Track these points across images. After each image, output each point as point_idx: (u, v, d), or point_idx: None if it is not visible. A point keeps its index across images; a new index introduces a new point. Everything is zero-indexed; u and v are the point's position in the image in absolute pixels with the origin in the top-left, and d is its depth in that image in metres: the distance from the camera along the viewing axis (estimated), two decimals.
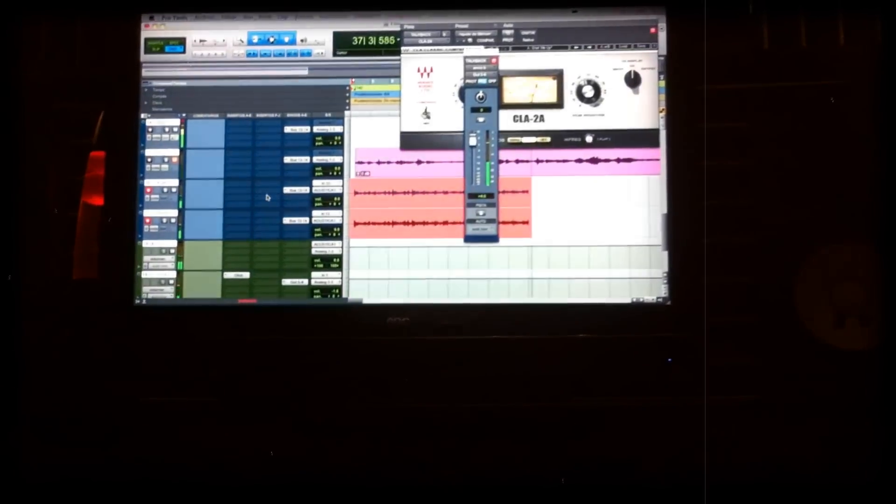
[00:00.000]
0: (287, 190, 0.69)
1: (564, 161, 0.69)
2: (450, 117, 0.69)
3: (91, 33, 0.72)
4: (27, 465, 0.66)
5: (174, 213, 0.69)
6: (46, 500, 0.66)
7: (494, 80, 0.70)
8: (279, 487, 0.66)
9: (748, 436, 0.66)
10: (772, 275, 0.68)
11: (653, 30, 0.70)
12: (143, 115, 0.70)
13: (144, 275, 0.68)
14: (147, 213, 0.69)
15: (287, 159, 0.69)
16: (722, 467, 0.64)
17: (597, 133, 0.69)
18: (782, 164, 0.69)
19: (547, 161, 0.69)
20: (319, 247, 0.68)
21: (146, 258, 0.68)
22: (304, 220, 0.69)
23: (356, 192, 0.69)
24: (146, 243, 0.69)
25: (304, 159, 0.69)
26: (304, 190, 0.69)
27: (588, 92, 0.69)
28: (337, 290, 0.68)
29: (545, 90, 0.69)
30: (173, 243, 0.69)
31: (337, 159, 0.69)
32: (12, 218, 0.69)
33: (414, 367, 0.67)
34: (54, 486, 0.66)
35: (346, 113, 0.70)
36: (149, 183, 0.69)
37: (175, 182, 0.69)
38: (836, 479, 0.64)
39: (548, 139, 0.69)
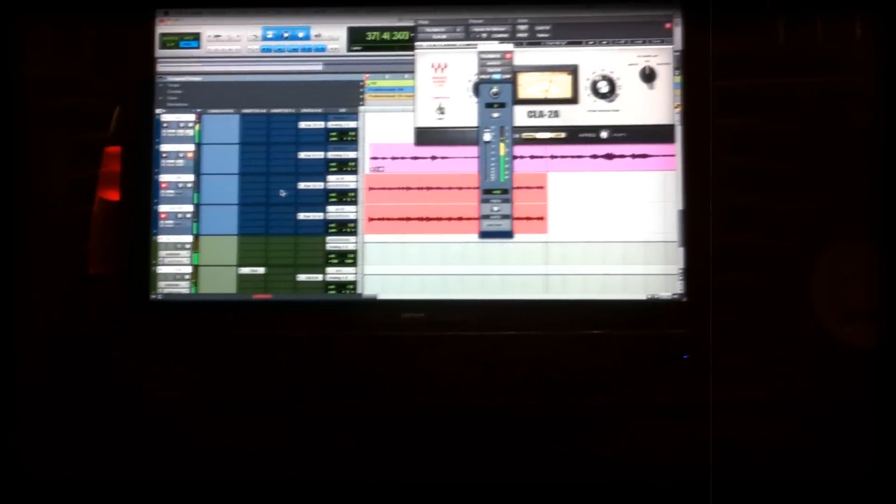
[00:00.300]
0: (302, 185, 0.69)
1: (579, 157, 0.68)
2: (464, 113, 0.69)
3: (106, 29, 0.72)
4: (35, 462, 0.66)
5: (189, 208, 0.69)
6: (61, 497, 0.66)
7: (509, 76, 0.69)
8: (292, 484, 0.67)
9: (762, 433, 0.66)
10: (788, 271, 0.68)
11: (668, 25, 0.69)
12: (158, 111, 0.70)
13: (160, 270, 0.69)
14: (162, 208, 0.69)
15: (302, 155, 0.69)
16: (734, 465, 0.64)
17: (612, 129, 0.68)
18: (799, 160, 0.69)
19: (562, 157, 0.68)
20: (334, 242, 0.69)
21: (161, 253, 0.69)
22: (318, 216, 0.69)
23: (371, 188, 0.69)
24: (161, 238, 0.69)
25: (319, 155, 0.69)
26: (319, 185, 0.69)
27: (603, 87, 0.69)
28: (351, 286, 0.68)
29: (560, 86, 0.69)
30: (189, 238, 0.69)
31: (351, 155, 0.69)
32: (25, 213, 0.69)
33: (428, 363, 0.67)
34: (67, 483, 0.66)
35: (361, 108, 0.69)
36: (164, 178, 0.69)
37: (190, 177, 0.69)
38: (840, 477, 0.64)
39: (563, 135, 0.69)
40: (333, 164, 0.69)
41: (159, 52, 0.70)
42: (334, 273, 0.68)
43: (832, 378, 0.66)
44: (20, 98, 0.70)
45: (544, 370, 0.68)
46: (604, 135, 0.68)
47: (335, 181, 0.69)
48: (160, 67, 0.70)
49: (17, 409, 0.67)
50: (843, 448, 0.65)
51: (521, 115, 0.69)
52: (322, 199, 0.69)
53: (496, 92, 0.69)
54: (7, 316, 0.67)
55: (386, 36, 0.70)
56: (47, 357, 0.69)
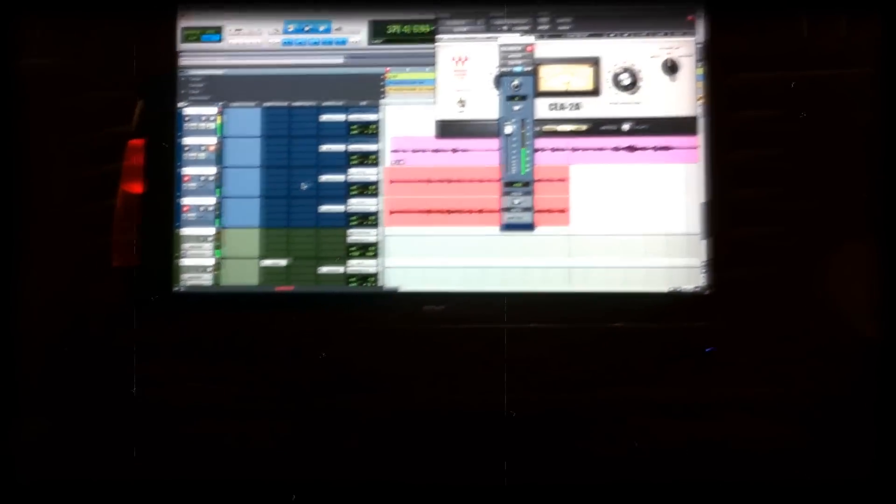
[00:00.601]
0: (323, 178, 0.69)
1: (601, 149, 0.68)
2: (485, 105, 0.69)
3: (128, 22, 0.73)
4: (56, 457, 0.67)
5: (212, 200, 0.69)
6: (60, 497, 0.66)
7: (530, 68, 0.69)
8: (311, 481, 0.67)
9: (762, 433, 0.66)
10: (810, 265, 0.67)
11: (690, 17, 0.69)
12: (180, 104, 0.70)
13: (183, 262, 0.69)
14: (185, 200, 0.69)
15: (323, 147, 0.69)
16: (750, 463, 0.64)
17: (634, 121, 0.68)
18: (823, 153, 0.68)
19: (584, 149, 0.68)
20: (355, 235, 0.69)
21: (184, 246, 0.69)
22: (340, 209, 0.69)
23: (392, 181, 0.69)
24: (184, 231, 0.69)
25: (340, 147, 0.69)
26: (340, 178, 0.69)
27: (625, 79, 0.69)
28: (373, 278, 0.68)
29: (581, 78, 0.69)
30: (211, 231, 0.69)
31: (372, 147, 0.69)
32: (30, 211, 0.70)
33: (450, 355, 0.68)
34: (67, 483, 0.66)
35: (382, 101, 0.70)
36: (186, 171, 0.70)
37: (213, 170, 0.69)
38: (839, 477, 0.64)
39: (584, 127, 0.68)
40: (354, 156, 0.69)
41: (181, 46, 0.71)
42: (356, 265, 0.68)
43: (832, 377, 0.66)
44: (32, 95, 0.71)
45: (566, 363, 0.67)
46: (626, 127, 0.68)
47: (356, 174, 0.69)
48: (182, 61, 0.71)
49: (17, 409, 0.68)
50: (843, 448, 0.64)
51: (542, 108, 0.69)
52: (343, 191, 0.69)
53: (517, 84, 0.69)
54: (7, 315, 0.68)
55: (407, 29, 0.70)
56: (53, 353, 0.69)
